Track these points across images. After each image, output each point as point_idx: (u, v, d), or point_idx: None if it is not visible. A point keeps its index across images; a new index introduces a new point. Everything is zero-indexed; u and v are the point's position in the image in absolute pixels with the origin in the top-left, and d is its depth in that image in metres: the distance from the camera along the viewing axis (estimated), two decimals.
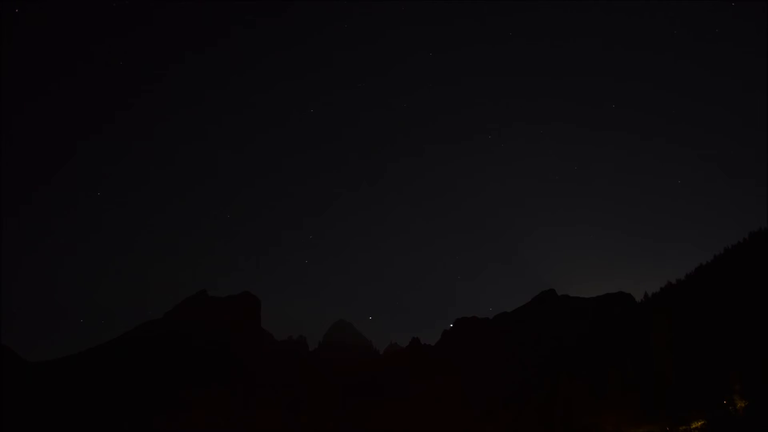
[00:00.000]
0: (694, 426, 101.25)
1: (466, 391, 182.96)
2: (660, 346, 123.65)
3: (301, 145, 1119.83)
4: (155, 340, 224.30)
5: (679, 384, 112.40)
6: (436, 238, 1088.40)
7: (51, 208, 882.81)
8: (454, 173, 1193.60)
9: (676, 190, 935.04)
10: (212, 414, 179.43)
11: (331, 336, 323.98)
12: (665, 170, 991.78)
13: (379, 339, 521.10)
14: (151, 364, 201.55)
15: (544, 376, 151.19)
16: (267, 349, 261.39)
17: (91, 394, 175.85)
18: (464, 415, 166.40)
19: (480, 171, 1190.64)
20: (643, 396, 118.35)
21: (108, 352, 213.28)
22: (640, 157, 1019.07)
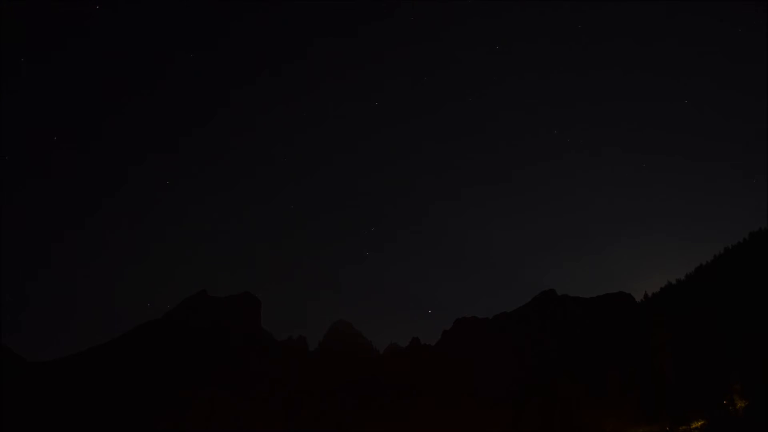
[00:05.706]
0: (694, 426, 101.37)
1: (466, 391, 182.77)
2: (660, 346, 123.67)
3: (323, 148, 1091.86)
4: (155, 340, 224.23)
5: (679, 384, 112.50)
6: (436, 238, 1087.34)
7: (49, 209, 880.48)
8: (454, 173, 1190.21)
9: (676, 189, 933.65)
10: (212, 414, 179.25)
11: (331, 336, 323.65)
12: (664, 170, 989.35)
13: (379, 339, 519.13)
14: (151, 364, 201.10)
15: (544, 376, 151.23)
16: (267, 349, 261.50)
17: (92, 394, 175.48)
18: (464, 415, 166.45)
19: (478, 172, 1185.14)
20: (643, 396, 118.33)
21: (108, 352, 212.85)
22: (639, 157, 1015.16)
